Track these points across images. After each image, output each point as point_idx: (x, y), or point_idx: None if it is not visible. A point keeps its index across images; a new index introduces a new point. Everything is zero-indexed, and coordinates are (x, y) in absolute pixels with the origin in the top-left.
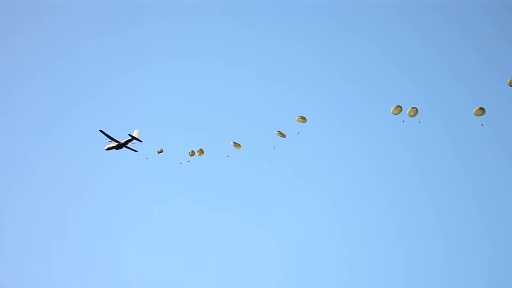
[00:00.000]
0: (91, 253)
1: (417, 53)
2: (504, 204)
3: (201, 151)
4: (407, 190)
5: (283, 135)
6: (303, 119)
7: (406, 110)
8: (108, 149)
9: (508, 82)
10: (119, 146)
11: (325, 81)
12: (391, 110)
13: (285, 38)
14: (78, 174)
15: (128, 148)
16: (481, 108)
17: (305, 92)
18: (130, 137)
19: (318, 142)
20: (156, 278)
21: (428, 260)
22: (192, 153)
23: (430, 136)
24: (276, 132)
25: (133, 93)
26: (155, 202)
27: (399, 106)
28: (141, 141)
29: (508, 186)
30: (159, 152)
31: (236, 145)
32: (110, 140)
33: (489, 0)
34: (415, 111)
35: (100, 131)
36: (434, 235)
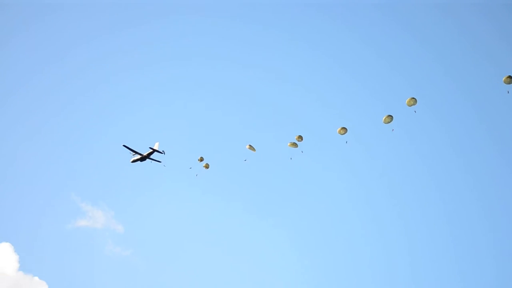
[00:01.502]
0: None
1: None
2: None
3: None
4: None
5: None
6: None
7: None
8: (134, 161)
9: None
10: (143, 158)
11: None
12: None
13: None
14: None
15: (152, 159)
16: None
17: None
18: (151, 150)
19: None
20: None
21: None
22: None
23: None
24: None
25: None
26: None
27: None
28: (162, 153)
29: None
30: (200, 161)
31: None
32: (134, 153)
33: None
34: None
35: (124, 146)
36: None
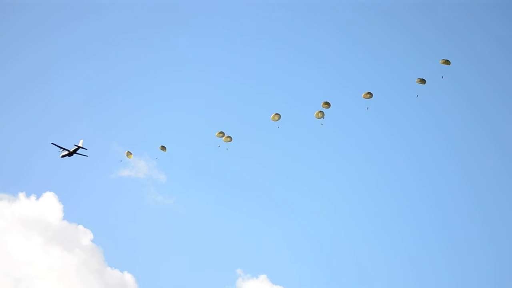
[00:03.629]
0: None
1: None
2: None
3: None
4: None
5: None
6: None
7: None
8: (63, 156)
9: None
10: (70, 153)
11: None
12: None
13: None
14: None
15: (79, 154)
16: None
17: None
18: (76, 147)
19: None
20: None
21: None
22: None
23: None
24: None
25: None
26: None
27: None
28: (86, 149)
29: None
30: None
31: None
32: (62, 149)
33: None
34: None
35: (52, 143)
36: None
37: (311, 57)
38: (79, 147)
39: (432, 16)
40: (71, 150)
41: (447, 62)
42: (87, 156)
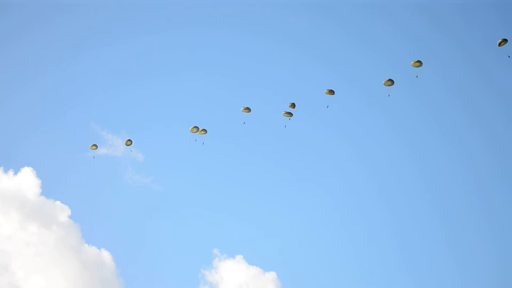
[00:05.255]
0: None
1: None
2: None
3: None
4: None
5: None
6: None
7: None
8: None
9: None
10: None
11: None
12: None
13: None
14: None
15: None
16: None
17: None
18: None
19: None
20: None
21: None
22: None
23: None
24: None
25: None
26: None
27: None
28: None
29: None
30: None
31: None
32: None
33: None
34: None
35: None
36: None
37: (300, 50)
38: None
39: (428, 15)
40: None
41: (418, 62)
42: None
